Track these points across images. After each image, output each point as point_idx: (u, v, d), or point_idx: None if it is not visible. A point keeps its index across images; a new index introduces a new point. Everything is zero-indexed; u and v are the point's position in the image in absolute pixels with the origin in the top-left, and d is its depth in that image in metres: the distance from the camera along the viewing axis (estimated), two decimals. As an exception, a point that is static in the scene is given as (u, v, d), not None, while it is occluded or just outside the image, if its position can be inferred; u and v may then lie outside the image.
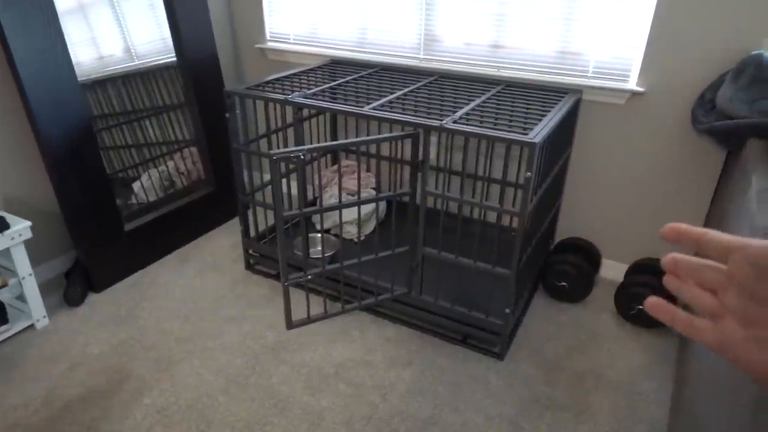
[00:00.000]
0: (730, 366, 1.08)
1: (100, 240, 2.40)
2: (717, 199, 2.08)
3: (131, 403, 1.85)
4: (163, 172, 2.79)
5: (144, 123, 2.69)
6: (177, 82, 2.74)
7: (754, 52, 1.87)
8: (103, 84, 2.49)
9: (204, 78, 2.76)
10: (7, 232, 1.92)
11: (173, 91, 2.76)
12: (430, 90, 2.28)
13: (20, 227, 1.96)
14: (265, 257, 2.53)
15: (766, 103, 1.75)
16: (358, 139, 1.89)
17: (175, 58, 2.68)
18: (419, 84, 2.35)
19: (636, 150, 2.31)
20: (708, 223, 2.14)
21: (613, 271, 2.55)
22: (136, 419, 1.79)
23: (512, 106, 2.07)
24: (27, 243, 2.01)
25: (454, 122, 1.86)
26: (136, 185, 2.69)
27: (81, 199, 2.29)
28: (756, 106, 1.77)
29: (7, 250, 1.96)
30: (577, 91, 2.28)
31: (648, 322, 2.23)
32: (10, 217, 1.98)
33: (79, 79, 2.27)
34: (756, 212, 1.26)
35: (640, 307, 2.20)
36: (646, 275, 2.27)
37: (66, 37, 2.18)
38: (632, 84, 2.21)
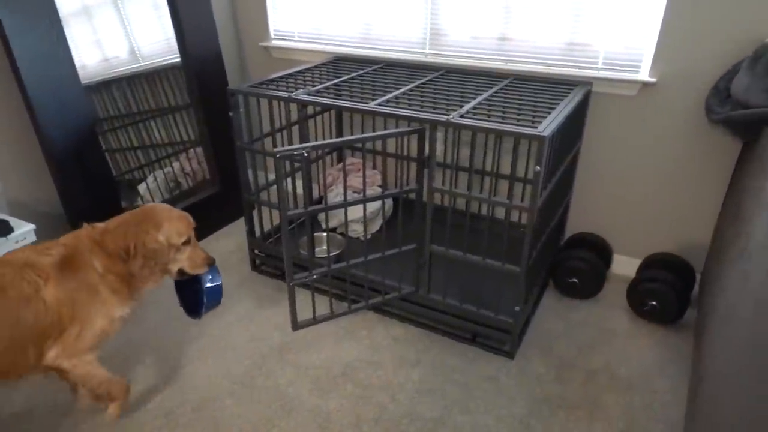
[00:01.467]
0: (751, 365, 1.03)
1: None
2: (732, 191, 2.02)
3: (137, 405, 1.83)
4: (168, 174, 2.78)
5: (149, 124, 2.68)
6: (182, 82, 2.73)
7: (769, 39, 1.81)
8: (108, 86, 2.49)
9: (208, 78, 2.74)
10: (11, 236, 1.91)
11: (178, 92, 2.75)
12: (436, 85, 2.25)
13: (24, 230, 1.95)
14: (271, 257, 2.51)
15: (783, 92, 1.69)
16: (363, 135, 1.86)
17: (179, 59, 2.66)
18: (425, 79, 2.32)
19: (648, 142, 2.25)
20: (723, 215, 2.08)
21: (625, 266, 2.49)
22: (145, 420, 1.77)
23: (520, 100, 2.02)
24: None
25: (461, 117, 1.82)
26: (141, 187, 2.68)
27: (85, 201, 2.28)
28: (773, 95, 1.71)
29: (13, 253, 1.95)
30: (586, 83, 2.23)
31: (662, 319, 2.18)
32: (13, 221, 1.98)
33: (83, 81, 2.26)
34: (775, 203, 1.21)
35: (654, 303, 2.15)
36: (659, 270, 2.22)
37: (70, 39, 2.17)
38: (644, 75, 2.16)
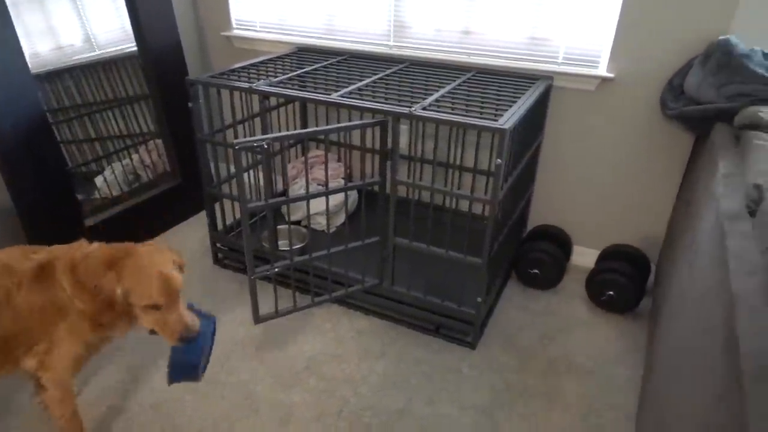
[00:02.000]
0: (696, 353, 1.07)
1: (58, 237, 2.30)
2: (685, 184, 2.09)
3: (95, 406, 1.79)
4: (127, 166, 2.70)
5: (107, 115, 2.59)
6: (140, 72, 2.64)
7: (720, 38, 1.87)
8: (62, 75, 2.39)
9: (167, 67, 2.66)
10: (-44, 230, 1.83)
11: (136, 82, 2.66)
12: (400, 77, 2.24)
13: (-30, 225, 1.87)
14: (234, 251, 2.47)
15: (732, 88, 1.76)
16: (325, 127, 1.84)
17: (136, 48, 2.58)
18: (389, 71, 2.31)
19: (606, 136, 2.31)
20: (676, 208, 2.15)
21: (584, 257, 2.55)
22: (102, 418, 1.73)
23: (483, 93, 2.04)
24: (-21, 241, 1.92)
25: (424, 109, 1.82)
26: (98, 180, 2.59)
27: (37, 194, 2.19)
28: (723, 91, 1.78)
29: (-42, 248, 1.86)
30: (547, 77, 2.26)
31: (619, 308, 2.24)
32: (-41, 214, 1.89)
33: (36, 69, 2.17)
34: (721, 196, 1.26)
35: (611, 293, 2.21)
36: (617, 261, 2.28)
37: (20, 26, 2.08)
38: (602, 70, 2.20)
